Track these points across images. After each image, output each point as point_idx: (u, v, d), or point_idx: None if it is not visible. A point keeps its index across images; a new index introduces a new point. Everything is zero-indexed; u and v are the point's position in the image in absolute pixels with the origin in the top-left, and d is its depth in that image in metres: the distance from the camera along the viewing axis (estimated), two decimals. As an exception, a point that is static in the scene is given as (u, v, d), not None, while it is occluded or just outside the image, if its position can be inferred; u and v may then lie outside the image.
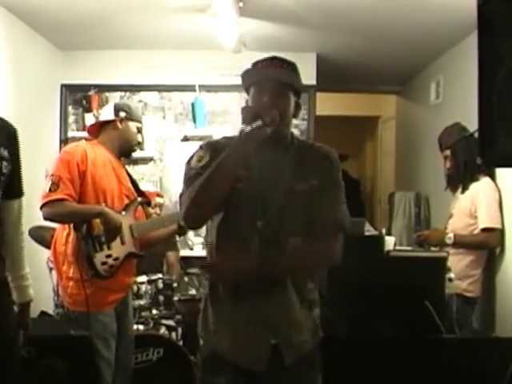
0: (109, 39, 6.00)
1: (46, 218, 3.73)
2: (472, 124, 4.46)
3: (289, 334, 2.58)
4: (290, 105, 2.63)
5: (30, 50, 5.50)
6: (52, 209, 3.62)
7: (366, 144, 11.50)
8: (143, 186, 4.42)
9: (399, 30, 5.50)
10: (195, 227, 2.78)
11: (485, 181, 4.52)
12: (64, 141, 6.40)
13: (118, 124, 3.95)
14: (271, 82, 2.57)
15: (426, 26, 5.30)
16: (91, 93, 6.33)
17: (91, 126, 4.16)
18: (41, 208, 3.64)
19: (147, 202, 4.08)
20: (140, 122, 4.10)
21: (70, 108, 6.53)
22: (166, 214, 4.26)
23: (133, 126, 4.01)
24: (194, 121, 6.36)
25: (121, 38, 5.97)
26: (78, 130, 6.45)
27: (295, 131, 6.49)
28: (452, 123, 4.78)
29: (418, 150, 7.40)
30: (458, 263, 4.38)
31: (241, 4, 4.75)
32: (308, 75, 6.46)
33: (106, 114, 4.10)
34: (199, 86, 6.30)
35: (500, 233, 4.48)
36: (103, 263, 3.72)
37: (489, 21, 1.97)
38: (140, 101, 6.57)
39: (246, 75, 2.66)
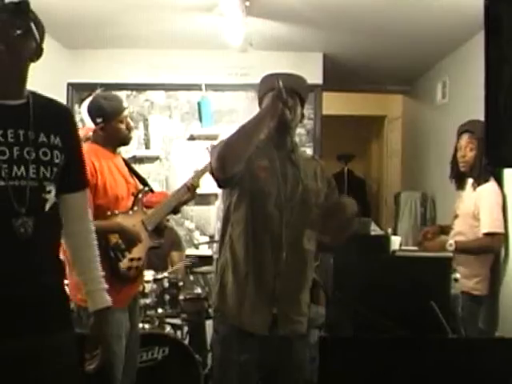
0: (115, 38, 6.01)
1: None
2: (478, 124, 4.47)
3: (287, 310, 3.01)
4: (298, 109, 3.08)
5: (37, 48, 5.49)
6: None
7: (372, 144, 11.49)
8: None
9: (406, 29, 5.50)
10: (223, 168, 2.89)
11: (490, 184, 4.49)
12: (70, 139, 6.40)
13: (100, 132, 3.80)
14: (285, 88, 2.91)
15: (432, 26, 5.29)
16: (98, 91, 6.34)
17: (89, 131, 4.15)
18: None
19: (151, 190, 4.03)
20: (120, 112, 3.83)
21: (76, 107, 6.54)
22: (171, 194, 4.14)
23: (115, 123, 3.80)
24: (201, 120, 6.37)
25: (127, 37, 5.98)
26: (84, 128, 6.47)
27: (302, 130, 6.51)
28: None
29: (425, 150, 7.39)
30: (465, 262, 4.39)
31: (247, 3, 4.75)
32: (314, 75, 6.47)
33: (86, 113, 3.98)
34: (205, 85, 6.30)
35: (502, 237, 4.46)
36: (129, 268, 3.70)
37: (496, 21, 1.97)
38: (146, 100, 6.59)
39: (262, 87, 3.15)
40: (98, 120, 3.79)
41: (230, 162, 2.86)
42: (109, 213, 3.68)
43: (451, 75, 6.34)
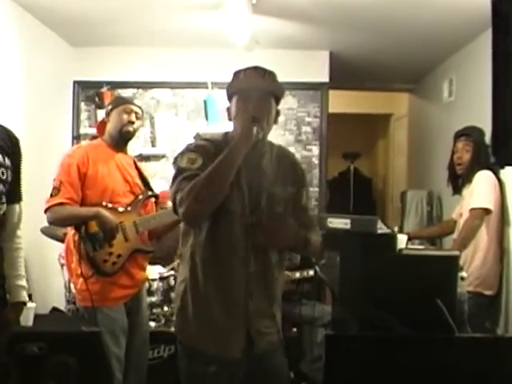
0: (121, 36, 6.01)
1: (49, 223, 3.85)
2: (485, 122, 4.45)
3: (262, 325, 2.77)
4: (273, 112, 2.76)
5: (43, 46, 5.52)
6: (53, 213, 3.71)
7: (378, 142, 11.47)
8: (155, 184, 4.41)
9: (412, 27, 5.49)
10: (194, 224, 2.73)
11: (483, 171, 4.56)
12: (76, 137, 6.42)
13: (107, 118, 3.99)
14: (256, 90, 2.71)
15: (439, 23, 5.28)
16: (104, 89, 6.34)
17: (99, 124, 4.20)
18: (45, 213, 3.73)
19: (155, 196, 4.06)
20: (125, 103, 4.03)
21: (82, 104, 6.55)
22: None
23: (117, 111, 3.95)
24: (207, 118, 6.36)
25: (134, 35, 5.98)
26: (90, 126, 6.46)
27: (308, 129, 6.50)
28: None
29: (431, 148, 7.38)
30: (474, 261, 4.40)
31: (254, 1, 4.74)
32: (321, 73, 6.47)
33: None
34: (212, 83, 6.29)
35: (483, 211, 4.50)
36: (105, 261, 3.74)
37: (503, 18, 1.96)
38: (152, 98, 6.59)
39: (230, 85, 2.83)
40: (108, 107, 4.02)
41: (199, 218, 2.66)
42: (104, 203, 3.77)
43: (458, 73, 6.32)
